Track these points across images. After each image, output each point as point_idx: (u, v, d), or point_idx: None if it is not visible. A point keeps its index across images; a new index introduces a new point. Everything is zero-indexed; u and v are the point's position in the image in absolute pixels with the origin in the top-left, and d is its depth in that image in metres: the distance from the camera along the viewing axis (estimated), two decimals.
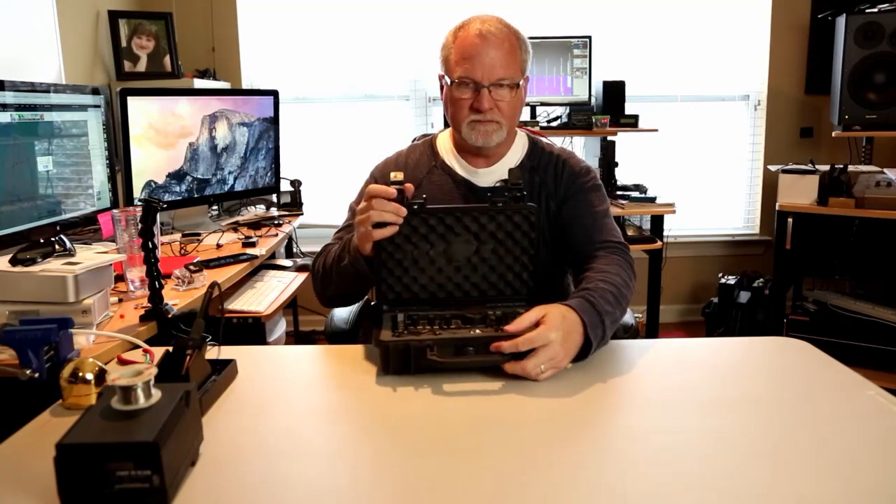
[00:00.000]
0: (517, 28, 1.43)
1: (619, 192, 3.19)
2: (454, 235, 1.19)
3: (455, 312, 1.17)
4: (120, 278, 1.59)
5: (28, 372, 1.04)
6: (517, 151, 1.49)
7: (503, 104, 1.37)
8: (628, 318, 1.51)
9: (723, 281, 3.40)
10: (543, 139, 1.58)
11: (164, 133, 2.36)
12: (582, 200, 1.45)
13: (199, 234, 2.36)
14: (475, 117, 1.37)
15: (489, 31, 1.36)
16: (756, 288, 3.29)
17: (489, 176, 1.46)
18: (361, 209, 1.19)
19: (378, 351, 1.08)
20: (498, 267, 1.22)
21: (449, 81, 1.39)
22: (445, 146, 1.52)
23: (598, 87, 3.34)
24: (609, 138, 3.17)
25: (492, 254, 1.21)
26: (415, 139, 1.89)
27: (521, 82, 1.40)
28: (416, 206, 1.16)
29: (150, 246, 1.34)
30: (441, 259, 1.20)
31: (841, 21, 3.02)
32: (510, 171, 1.27)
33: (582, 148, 3.54)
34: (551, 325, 1.06)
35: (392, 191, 1.16)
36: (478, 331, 1.10)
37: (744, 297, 3.30)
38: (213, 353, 1.13)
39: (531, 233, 1.21)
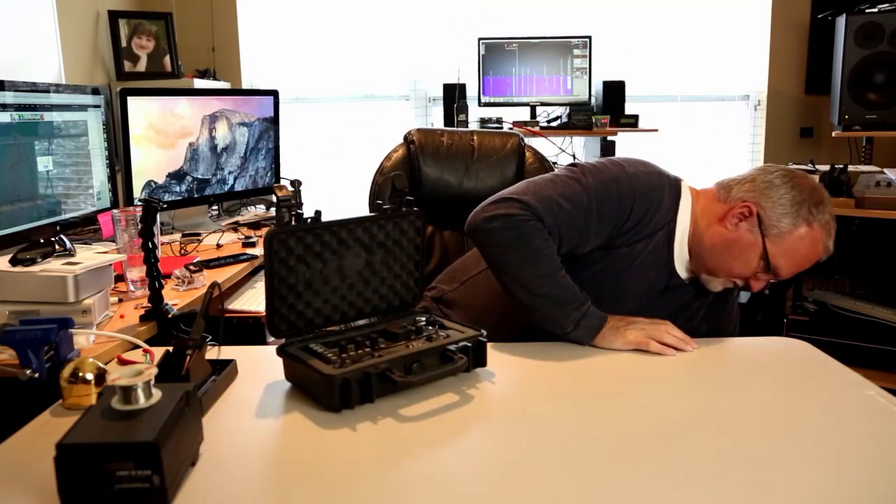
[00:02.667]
0: None
1: None
2: (346, 249, 1.10)
3: (371, 331, 1.09)
4: (120, 278, 1.58)
5: (28, 372, 1.04)
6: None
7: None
8: None
9: None
10: None
11: (164, 133, 2.36)
12: (731, 312, 1.52)
13: (199, 234, 2.36)
14: (738, 283, 1.33)
15: (831, 251, 1.28)
16: None
17: (686, 269, 1.38)
18: (654, 325, 1.23)
19: (319, 390, 0.98)
20: (388, 278, 1.16)
21: (763, 251, 1.26)
22: (685, 212, 1.36)
23: (598, 87, 3.34)
24: (609, 138, 3.17)
25: (381, 264, 1.14)
26: (409, 133, 1.88)
27: None
28: (309, 220, 1.05)
29: (150, 246, 1.34)
30: (335, 277, 1.09)
31: (841, 21, 3.01)
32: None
33: (582, 148, 3.54)
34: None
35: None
36: (414, 344, 1.06)
37: (744, 297, 3.29)
38: (213, 353, 1.13)
39: (416, 238, 1.17)
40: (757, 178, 1.30)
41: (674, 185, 1.37)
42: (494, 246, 1.26)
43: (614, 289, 1.33)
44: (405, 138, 1.89)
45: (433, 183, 1.84)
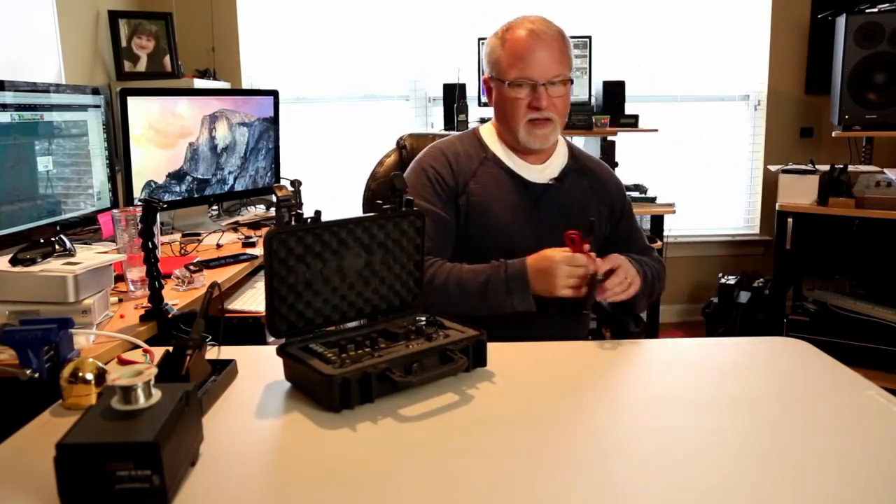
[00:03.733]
0: (560, 26, 1.48)
1: None
2: (346, 249, 1.09)
3: (371, 331, 1.09)
4: (120, 278, 1.58)
5: (28, 372, 1.04)
6: (562, 150, 1.57)
7: (558, 101, 1.44)
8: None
9: (723, 281, 3.40)
10: (569, 139, 1.66)
11: (164, 133, 2.36)
12: (631, 218, 1.62)
13: (199, 234, 2.36)
14: (533, 116, 1.42)
15: (540, 30, 1.42)
16: (756, 288, 3.29)
17: (542, 172, 1.51)
18: (572, 273, 1.28)
19: (319, 390, 0.98)
20: (388, 278, 1.16)
21: (503, 83, 1.42)
22: (492, 140, 1.54)
23: (598, 87, 3.34)
24: (609, 138, 3.17)
25: (381, 264, 1.14)
26: (401, 138, 1.89)
27: (572, 78, 1.46)
28: (309, 220, 1.05)
29: (150, 246, 1.34)
30: (335, 277, 1.09)
31: (841, 21, 3.02)
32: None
33: (582, 148, 3.53)
34: (616, 255, 1.34)
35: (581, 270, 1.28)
36: (413, 344, 1.06)
37: (744, 297, 3.30)
38: (213, 353, 1.13)
39: (416, 238, 1.17)
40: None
41: (465, 135, 1.58)
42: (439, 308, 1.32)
43: (489, 229, 1.47)
44: (397, 144, 1.89)
45: None
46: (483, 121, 3.15)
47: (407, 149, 1.86)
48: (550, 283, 1.30)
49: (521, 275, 1.33)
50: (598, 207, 1.55)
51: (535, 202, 1.49)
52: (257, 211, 2.94)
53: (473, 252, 1.45)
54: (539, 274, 1.32)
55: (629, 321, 1.47)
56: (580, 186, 1.54)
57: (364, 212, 1.84)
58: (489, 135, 1.55)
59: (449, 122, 3.18)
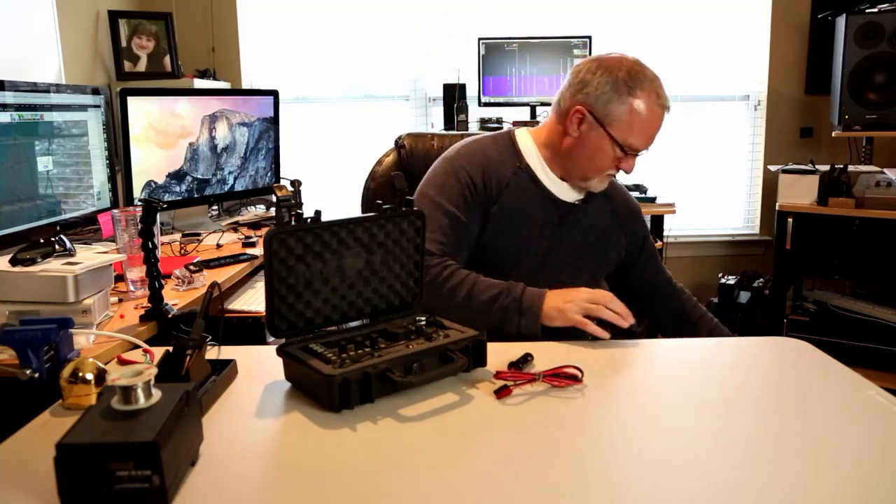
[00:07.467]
0: None
1: None
2: (346, 249, 1.09)
3: (371, 331, 1.09)
4: (120, 278, 1.59)
5: (28, 372, 1.04)
6: None
7: None
8: None
9: (723, 281, 3.40)
10: None
11: (164, 133, 2.36)
12: (653, 247, 1.61)
13: (199, 234, 2.36)
14: (612, 172, 1.41)
15: (667, 106, 1.38)
16: (756, 288, 3.29)
17: (570, 190, 1.47)
18: (594, 299, 1.23)
19: (319, 390, 0.98)
20: (388, 278, 1.15)
21: (611, 139, 1.36)
22: (530, 150, 1.48)
23: None
24: None
25: (381, 264, 1.14)
26: (400, 137, 1.89)
27: None
28: (309, 220, 1.05)
29: (150, 246, 1.34)
30: (335, 277, 1.09)
31: (841, 21, 3.02)
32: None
33: None
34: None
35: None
36: (413, 344, 1.06)
37: (744, 297, 3.30)
38: (213, 353, 1.13)
39: (416, 238, 1.17)
40: (572, 82, 1.40)
41: (501, 137, 1.50)
42: (437, 308, 1.30)
43: (512, 242, 1.43)
44: (396, 143, 1.89)
45: None
46: (517, 124, 3.16)
47: (406, 148, 1.86)
48: (568, 297, 1.26)
49: (538, 297, 1.29)
50: (618, 233, 1.53)
51: (559, 220, 1.46)
52: (257, 211, 2.94)
53: (488, 260, 1.41)
54: (558, 294, 1.28)
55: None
56: (604, 210, 1.52)
57: (363, 211, 1.84)
58: (526, 143, 1.49)
59: (449, 123, 3.19)
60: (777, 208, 2.96)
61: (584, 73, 1.38)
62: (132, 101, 2.22)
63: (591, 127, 1.37)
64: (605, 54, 1.40)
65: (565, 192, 1.46)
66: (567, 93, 1.41)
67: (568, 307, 1.24)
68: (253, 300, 1.96)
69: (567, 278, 1.32)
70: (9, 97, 1.82)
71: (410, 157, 1.84)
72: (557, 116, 1.44)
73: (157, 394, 0.77)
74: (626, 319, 1.23)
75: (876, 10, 2.92)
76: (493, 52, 3.28)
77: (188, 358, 0.97)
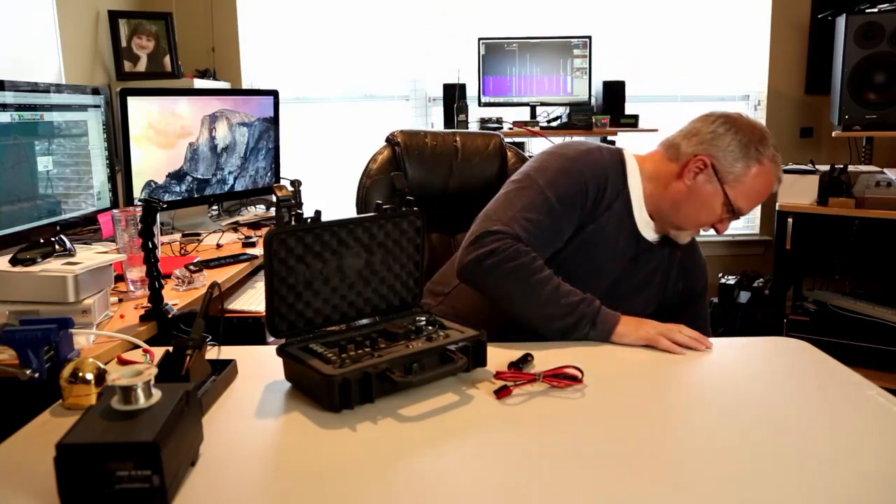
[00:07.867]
0: None
1: None
2: (346, 249, 1.09)
3: (371, 331, 1.09)
4: (120, 278, 1.58)
5: (28, 372, 1.04)
6: None
7: None
8: None
9: (723, 281, 3.40)
10: None
11: (164, 133, 2.36)
12: (704, 303, 1.58)
13: (199, 234, 2.36)
14: (706, 229, 1.41)
15: (781, 181, 1.39)
16: (756, 288, 3.29)
17: (652, 232, 1.44)
18: (668, 326, 1.23)
19: (319, 390, 0.98)
20: (388, 278, 1.16)
21: (725, 196, 1.34)
22: (634, 179, 1.43)
23: (598, 87, 3.34)
24: (609, 138, 3.17)
25: (381, 264, 1.14)
26: (392, 134, 1.86)
27: None
28: (309, 220, 1.04)
29: (150, 246, 1.34)
30: (335, 277, 1.09)
31: (841, 21, 3.02)
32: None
33: None
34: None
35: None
36: (413, 345, 1.06)
37: (744, 297, 3.30)
38: (213, 353, 1.13)
39: (416, 238, 1.17)
40: (702, 131, 1.38)
41: (615, 154, 1.46)
42: (495, 286, 1.29)
43: (589, 265, 1.39)
44: (388, 140, 1.88)
45: (419, 184, 1.82)
46: (517, 124, 3.15)
47: (400, 145, 1.86)
48: (642, 321, 1.26)
49: (612, 316, 1.27)
50: (680, 283, 1.51)
51: (635, 255, 1.43)
52: (257, 211, 2.94)
53: (556, 272, 1.34)
54: (632, 318, 1.27)
55: None
56: (673, 256, 1.49)
57: (358, 209, 1.84)
58: (633, 171, 1.44)
59: (449, 123, 3.19)
60: (777, 208, 2.96)
61: (718, 126, 1.36)
62: (132, 101, 2.22)
63: (709, 180, 1.35)
64: (735, 113, 1.39)
65: (647, 230, 1.43)
66: (693, 139, 1.39)
67: (644, 326, 1.25)
68: (253, 300, 1.96)
69: (623, 311, 1.30)
70: (9, 97, 1.82)
71: (405, 153, 1.84)
72: (669, 156, 1.42)
73: (157, 394, 0.77)
74: (701, 343, 1.22)
75: (876, 10, 2.92)
76: (493, 52, 3.28)
77: (188, 358, 0.97)
